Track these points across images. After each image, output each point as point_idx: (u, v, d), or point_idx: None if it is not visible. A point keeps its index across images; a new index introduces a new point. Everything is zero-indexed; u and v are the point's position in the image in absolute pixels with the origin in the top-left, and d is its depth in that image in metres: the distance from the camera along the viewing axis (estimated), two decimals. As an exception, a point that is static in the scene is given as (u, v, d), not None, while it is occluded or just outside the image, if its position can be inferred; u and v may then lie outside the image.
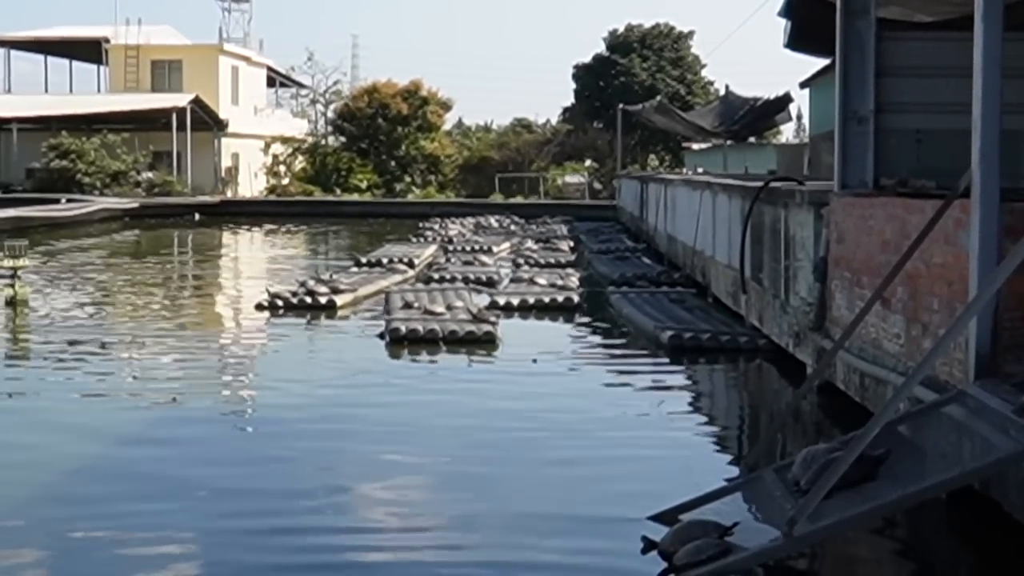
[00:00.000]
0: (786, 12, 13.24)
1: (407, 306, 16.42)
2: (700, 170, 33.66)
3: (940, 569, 7.20)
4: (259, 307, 17.63)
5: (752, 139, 34.27)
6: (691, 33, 62.84)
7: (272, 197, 53.13)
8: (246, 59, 60.29)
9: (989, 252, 7.27)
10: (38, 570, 6.61)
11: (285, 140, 59.75)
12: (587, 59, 63.47)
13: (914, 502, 6.48)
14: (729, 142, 35.67)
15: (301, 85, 68.47)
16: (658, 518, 7.23)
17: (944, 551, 7.31)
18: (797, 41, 13.91)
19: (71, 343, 14.88)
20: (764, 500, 7.17)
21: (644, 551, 6.70)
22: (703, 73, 61.43)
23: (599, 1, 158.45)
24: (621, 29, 62.92)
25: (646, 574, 6.45)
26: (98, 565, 6.59)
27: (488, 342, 14.23)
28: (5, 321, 16.27)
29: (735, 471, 8.75)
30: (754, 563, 6.30)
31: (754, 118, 34.40)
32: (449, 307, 16.26)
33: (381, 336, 14.76)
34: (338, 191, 53.80)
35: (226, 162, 54.90)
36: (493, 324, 14.91)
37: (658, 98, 47.98)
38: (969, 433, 6.68)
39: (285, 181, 57.02)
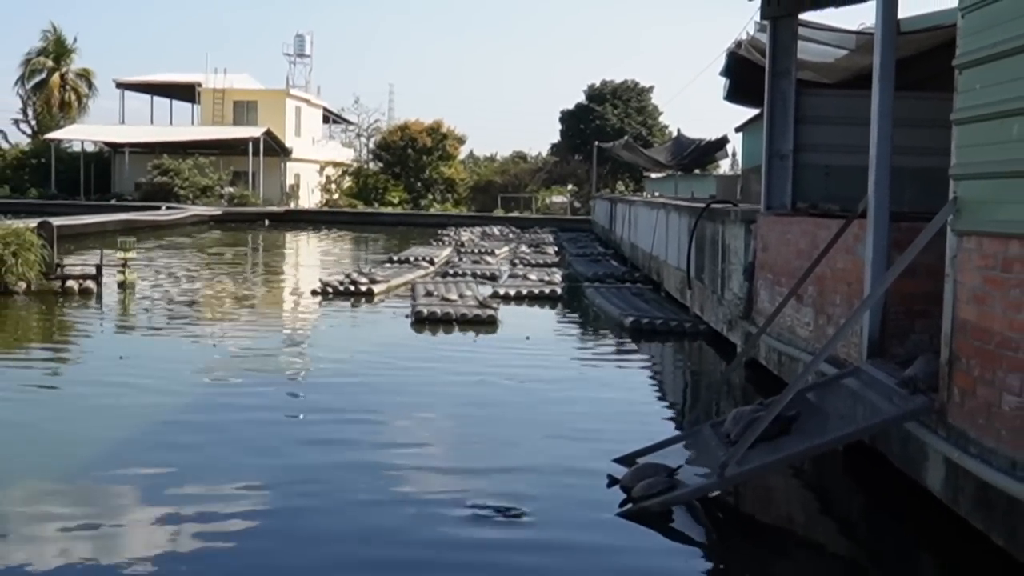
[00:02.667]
0: (726, 72, 13.21)
1: (428, 294, 16.41)
2: (656, 194, 33.62)
3: (837, 503, 7.15)
4: (313, 292, 17.56)
5: (697, 171, 34.21)
6: (651, 88, 62.79)
7: (325, 208, 53.01)
8: (306, 101, 60.19)
9: (880, 260, 7.27)
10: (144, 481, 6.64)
11: (336, 164, 59.87)
12: (571, 106, 63.43)
13: (818, 452, 6.55)
14: (679, 173, 35.61)
15: (349, 122, 68.72)
16: (620, 460, 7.25)
17: (840, 490, 7.30)
18: (734, 95, 13.86)
19: (168, 317, 14.98)
20: (702, 449, 7.13)
21: (609, 486, 6.74)
22: (660, 119, 61.31)
23: (580, 61, 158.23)
24: (597, 83, 62.82)
25: (610, 503, 6.38)
26: (186, 495, 6.50)
27: (490, 323, 14.18)
28: (117, 299, 16.25)
29: (680, 425, 8.79)
30: (694, 497, 6.30)
31: (699, 154, 34.38)
32: (460, 296, 16.26)
33: (408, 317, 14.70)
34: (376, 204, 53.73)
35: (290, 180, 54.88)
36: (495, 309, 14.89)
37: (625, 138, 48.02)
38: (862, 400, 6.72)
39: (335, 196, 56.97)
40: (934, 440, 5.86)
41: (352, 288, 17.42)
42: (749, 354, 9.92)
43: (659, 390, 11.02)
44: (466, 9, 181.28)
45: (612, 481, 6.78)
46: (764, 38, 11.16)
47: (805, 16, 11.11)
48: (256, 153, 50.59)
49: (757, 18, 11.03)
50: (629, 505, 6.29)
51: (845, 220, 8.00)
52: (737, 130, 34.13)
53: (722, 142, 34.53)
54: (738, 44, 12.49)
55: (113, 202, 45.94)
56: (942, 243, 6.01)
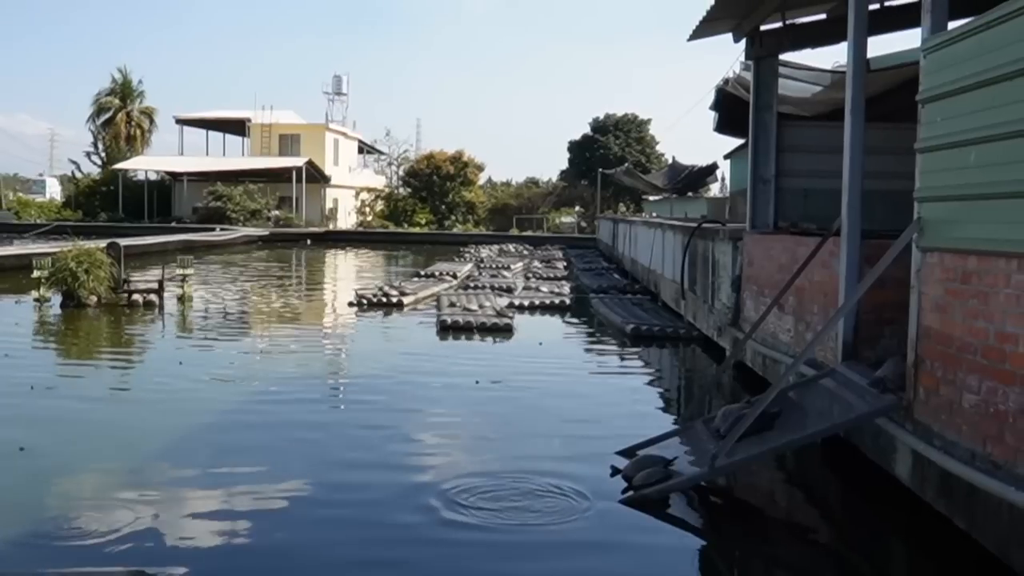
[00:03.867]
0: (715, 106, 13.18)
1: (452, 305, 16.33)
2: (654, 214, 33.50)
3: (815, 490, 7.12)
4: (350, 303, 17.55)
5: (690, 194, 34.03)
6: (649, 120, 62.55)
7: (360, 229, 53.05)
8: (343, 134, 60.32)
9: (852, 274, 7.22)
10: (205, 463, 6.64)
11: (369, 190, 59.83)
12: (577, 137, 63.22)
13: (799, 445, 6.53)
14: (674, 196, 35.44)
15: (381, 152, 68.71)
16: (622, 452, 7.20)
17: (819, 479, 7.26)
18: (722, 127, 13.84)
19: (222, 326, 15.08)
20: (695, 442, 7.08)
21: (612, 475, 6.68)
22: (657, 148, 61.04)
23: (585, 97, 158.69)
24: (601, 116, 62.64)
25: (614, 490, 6.36)
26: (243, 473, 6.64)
27: (507, 330, 14.12)
28: (177, 311, 16.32)
29: (675, 421, 8.75)
30: (688, 485, 6.27)
31: (692, 179, 34.30)
32: (480, 306, 16.18)
33: (434, 325, 14.67)
34: (405, 225, 53.76)
35: (329, 204, 54.91)
36: (511, 318, 14.84)
37: (626, 165, 47.95)
38: (837, 398, 6.65)
39: (369, 218, 57.01)
40: (902, 434, 5.81)
41: (384, 299, 17.40)
42: (737, 357, 9.83)
43: (656, 389, 10.96)
44: (483, 52, 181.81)
45: (615, 471, 6.73)
46: (749, 76, 11.08)
47: (785, 56, 11.06)
48: (299, 180, 50.69)
49: (743, 58, 11.01)
50: (630, 492, 6.26)
51: (822, 238, 7.95)
52: (725, 157, 33.97)
53: (712, 168, 34.43)
54: (726, 81, 12.49)
55: (173, 224, 46.14)
56: (908, 258, 5.97)
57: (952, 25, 5.79)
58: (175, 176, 54.42)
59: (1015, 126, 4.73)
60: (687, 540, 5.86)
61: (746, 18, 10.24)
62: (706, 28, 10.44)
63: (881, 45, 10.83)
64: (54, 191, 76.19)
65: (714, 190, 37.82)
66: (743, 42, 10.66)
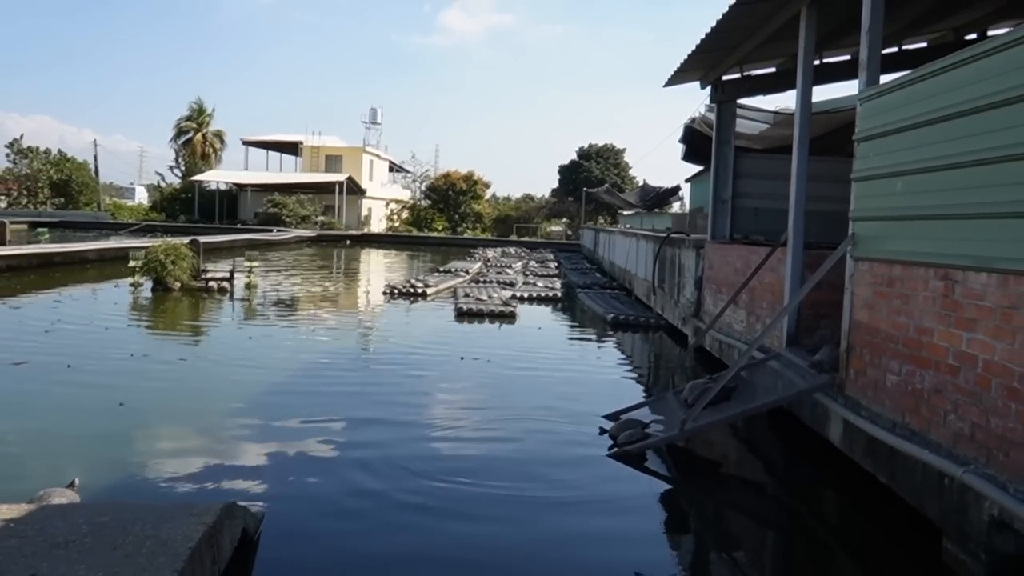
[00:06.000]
0: (683, 140, 13.16)
1: (466, 295, 16.41)
2: (628, 226, 33.38)
3: (762, 451, 7.10)
4: (383, 292, 17.54)
5: (657, 210, 33.91)
6: (624, 149, 62.31)
7: (389, 232, 52.91)
8: (377, 156, 60.05)
9: (796, 277, 7.26)
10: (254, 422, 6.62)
11: (397, 201, 59.69)
12: (566, 162, 62.96)
13: (750, 414, 6.54)
14: (644, 211, 35.37)
15: (407, 171, 68.54)
16: (608, 417, 7.24)
17: (766, 442, 7.25)
18: (688, 157, 13.84)
19: (282, 308, 15.04)
20: (667, 409, 7.14)
21: (600, 434, 6.75)
22: (631, 172, 60.89)
23: (574, 129, 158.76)
24: (586, 146, 62.43)
25: (601, 445, 6.42)
26: (288, 426, 6.65)
27: (511, 316, 14.13)
28: (245, 296, 16.25)
29: (649, 392, 8.77)
30: (662, 444, 6.29)
31: (659, 198, 34.07)
32: (489, 296, 16.26)
33: (452, 311, 14.68)
34: (425, 231, 53.61)
35: (364, 212, 54.61)
36: (514, 307, 14.87)
37: (605, 185, 47.75)
38: (782, 377, 6.69)
39: (396, 224, 56.87)
40: (835, 406, 5.84)
41: (412, 290, 17.39)
42: (699, 343, 9.91)
43: (632, 366, 10.96)
44: (490, 93, 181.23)
45: (602, 431, 6.82)
46: (712, 116, 11.12)
47: (742, 100, 11.11)
48: (341, 192, 50.43)
49: (707, 102, 11.02)
50: (615, 449, 6.29)
51: (771, 248, 7.98)
52: (686, 181, 33.91)
53: (676, 189, 34.21)
54: (692, 120, 12.48)
55: (239, 226, 45.90)
56: (842, 266, 6.01)
57: (883, 79, 5.84)
58: (240, 187, 54.11)
59: (933, 162, 4.79)
60: (661, 486, 5.88)
61: (711, 70, 10.26)
62: (679, 77, 10.46)
63: (823, 92, 10.89)
64: (142, 197, 75.94)
65: (676, 207, 37.74)
66: (708, 89, 10.68)
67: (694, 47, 8.89)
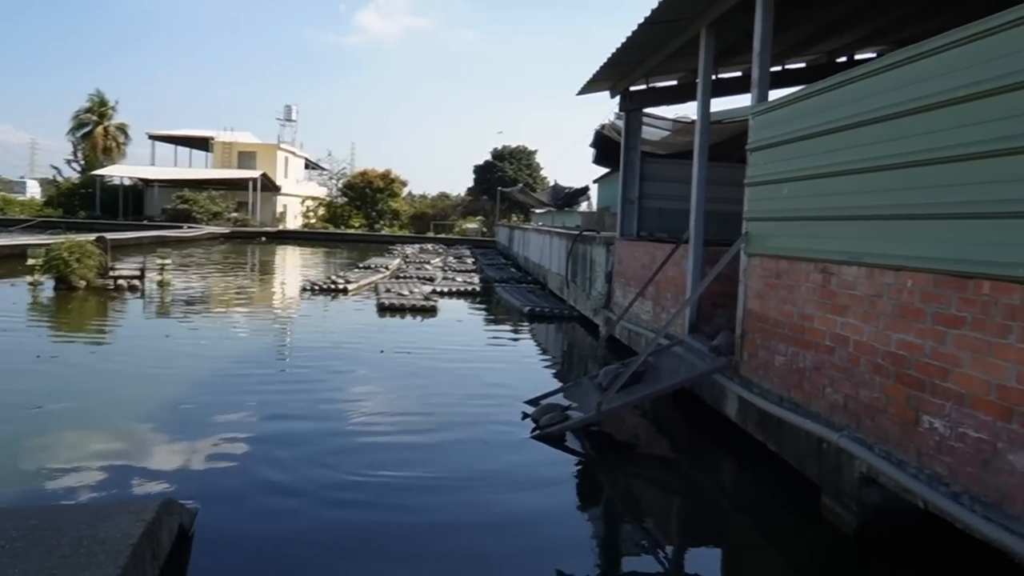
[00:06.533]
0: (594, 145, 13.68)
1: (387, 291, 16.40)
2: (540, 224, 33.93)
3: (668, 427, 7.42)
4: (304, 289, 17.32)
5: (567, 209, 34.64)
6: (536, 151, 62.90)
7: (306, 229, 51.98)
8: (292, 153, 58.62)
9: (697, 271, 7.76)
10: (185, 411, 6.61)
11: (313, 198, 58.37)
12: (481, 162, 63.23)
13: (658, 395, 6.88)
14: (555, 210, 36.07)
15: (323, 168, 67.19)
16: (529, 402, 7.50)
17: (671, 419, 7.59)
18: (598, 160, 14.38)
19: (197, 307, 14.64)
20: (583, 393, 7.42)
21: (523, 418, 7.00)
22: (542, 172, 61.66)
23: (488, 132, 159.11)
24: (499, 147, 62.83)
25: (525, 427, 6.69)
26: (205, 420, 6.70)
27: (432, 311, 14.27)
28: (158, 294, 15.73)
29: (565, 378, 8.99)
30: (580, 425, 6.57)
31: (569, 198, 34.86)
32: (410, 291, 16.30)
33: (374, 306, 14.68)
34: (342, 227, 52.91)
35: (279, 209, 53.32)
36: (435, 301, 15.00)
37: (519, 185, 48.26)
38: (685, 361, 7.08)
39: (312, 221, 55.86)
40: (731, 385, 6.31)
41: (332, 286, 17.29)
42: (611, 332, 10.35)
43: (550, 356, 11.24)
44: (408, 93, 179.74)
45: (525, 416, 7.05)
46: (620, 123, 11.64)
47: (648, 110, 11.68)
48: (255, 189, 49.09)
49: (616, 110, 11.53)
50: (537, 431, 6.55)
51: (675, 245, 8.50)
52: (594, 182, 34.82)
53: (585, 190, 35.13)
54: (602, 126, 13.00)
55: (145, 222, 44.20)
56: (737, 261, 6.49)
57: (771, 94, 6.40)
58: (147, 182, 51.83)
59: (812, 171, 5.37)
60: (580, 463, 6.16)
61: (620, 81, 10.78)
62: (591, 87, 10.94)
63: (721, 103, 11.51)
64: (34, 191, 71.60)
65: (584, 206, 38.57)
66: (617, 98, 11.19)
67: (605, 60, 9.38)
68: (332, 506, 4.87)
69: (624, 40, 8.46)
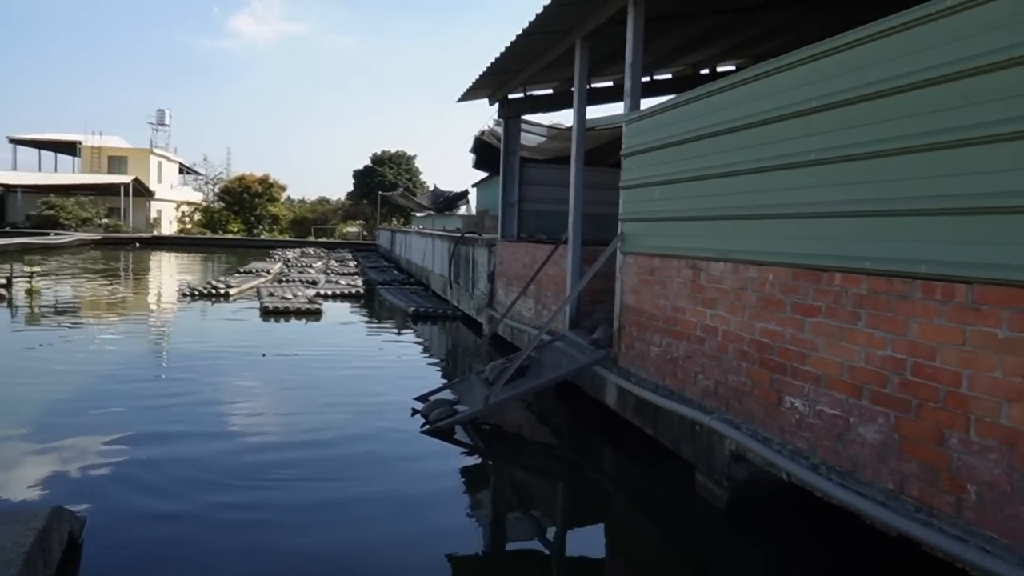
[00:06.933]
0: (474, 150, 13.73)
1: (271, 294, 15.87)
2: (421, 227, 33.73)
3: (551, 417, 7.51)
4: (183, 295, 16.50)
5: (447, 212, 34.62)
6: (415, 156, 62.61)
7: (182, 235, 49.53)
8: (166, 158, 55.71)
9: (576, 270, 7.94)
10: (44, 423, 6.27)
11: (189, 203, 55.74)
12: (360, 167, 62.25)
13: (541, 388, 6.98)
14: (435, 213, 35.97)
15: (199, 173, 64.34)
16: (419, 398, 7.47)
17: (554, 409, 7.70)
18: (478, 165, 14.43)
19: (69, 315, 13.78)
20: (470, 389, 7.44)
21: (412, 415, 6.95)
22: (422, 177, 61.43)
23: (368, 136, 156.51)
24: (379, 152, 62.05)
25: (416, 424, 6.65)
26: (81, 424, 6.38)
27: (317, 313, 13.96)
28: (27, 303, 14.76)
29: (451, 375, 9.02)
30: (470, 418, 6.61)
31: (449, 201, 34.81)
32: (294, 295, 15.87)
33: (258, 310, 14.23)
34: (220, 232, 50.76)
35: (153, 214, 50.65)
36: (320, 304, 14.70)
37: (400, 189, 47.87)
38: (566, 354, 7.21)
39: (189, 226, 53.34)
40: (611, 376, 6.47)
41: (213, 291, 16.59)
42: (494, 330, 10.44)
43: (436, 354, 11.19)
44: (286, 99, 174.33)
45: (415, 412, 7.03)
46: (499, 130, 11.73)
47: (526, 117, 11.85)
48: (127, 194, 46.31)
49: (495, 116, 11.63)
50: (427, 426, 6.55)
51: (555, 245, 8.69)
52: (473, 186, 35.05)
53: (464, 194, 35.18)
54: (482, 132, 13.07)
55: (8, 229, 40.92)
56: (613, 259, 6.66)
57: (643, 103, 6.64)
58: (8, 187, 47.88)
59: (681, 175, 5.61)
60: (470, 455, 6.17)
61: (499, 89, 10.89)
62: (471, 94, 11.00)
63: (596, 111, 11.81)
64: None
65: (463, 210, 38.66)
66: (496, 105, 11.32)
67: (485, 69, 9.44)
68: (218, 509, 4.69)
69: (503, 50, 8.55)
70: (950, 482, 3.28)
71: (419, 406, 7.25)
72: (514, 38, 7.96)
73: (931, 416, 3.38)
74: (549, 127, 13.51)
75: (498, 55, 8.76)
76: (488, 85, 10.49)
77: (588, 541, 4.78)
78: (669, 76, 10.53)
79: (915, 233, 3.50)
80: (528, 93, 10.98)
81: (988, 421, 3.12)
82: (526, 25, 7.52)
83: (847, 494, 3.73)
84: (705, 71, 10.40)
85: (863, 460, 3.76)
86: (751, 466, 4.62)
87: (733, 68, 10.31)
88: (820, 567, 4.16)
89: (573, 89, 8.01)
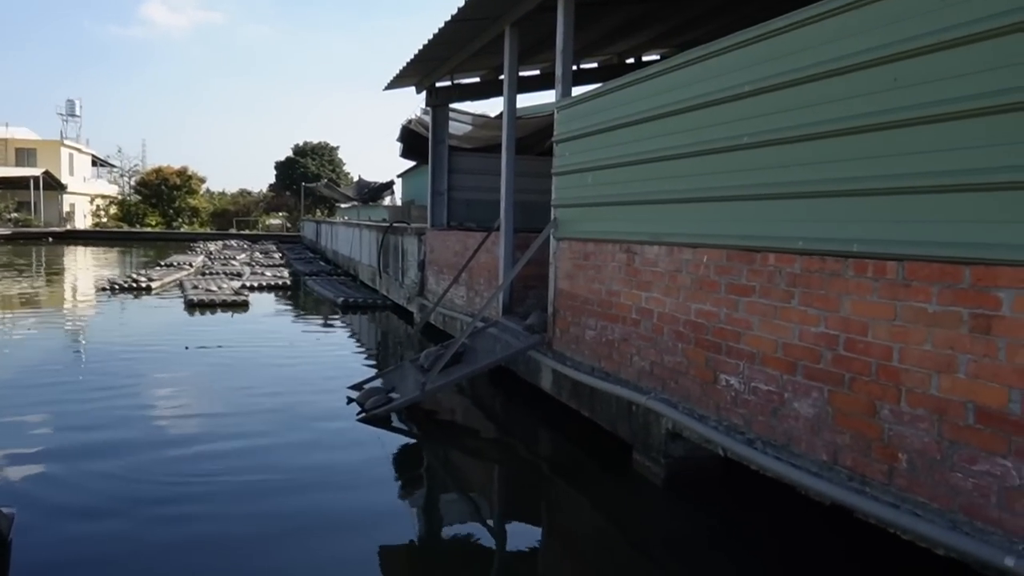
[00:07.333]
0: (401, 139, 13.42)
1: (195, 287, 15.27)
2: (346, 218, 33.09)
3: (486, 402, 7.47)
4: (103, 289, 15.69)
5: (372, 203, 34.04)
6: (338, 147, 61.94)
7: (97, 228, 47.14)
8: (78, 150, 52.81)
9: (509, 257, 7.84)
10: None
11: (104, 196, 53.29)
12: (282, 158, 60.66)
13: (476, 374, 6.86)
14: (360, 204, 35.35)
15: (113, 166, 61.34)
16: (353, 387, 7.28)
17: (488, 394, 7.65)
18: (406, 154, 14.04)
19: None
20: (406, 376, 7.27)
21: (348, 403, 6.77)
22: (346, 168, 60.22)
23: (289, 127, 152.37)
24: (301, 143, 60.61)
25: (351, 413, 6.48)
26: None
27: (244, 305, 13.50)
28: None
29: (384, 363, 8.81)
30: (406, 405, 6.45)
31: (374, 192, 34.33)
32: (219, 287, 15.30)
33: (182, 303, 13.65)
34: (138, 226, 48.66)
35: (66, 208, 48.09)
36: (246, 296, 14.19)
37: (324, 180, 46.95)
38: (500, 340, 7.12)
39: (104, 220, 50.87)
40: (546, 360, 6.41)
41: (135, 284, 15.83)
42: (427, 318, 10.27)
43: (367, 343, 10.97)
44: (203, 89, 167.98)
45: (350, 400, 6.85)
46: (428, 119, 11.52)
47: (453, 105, 11.66)
48: (37, 188, 43.93)
49: (423, 104, 11.41)
50: (363, 414, 6.38)
51: (487, 232, 8.57)
52: (398, 176, 34.65)
53: (390, 184, 34.76)
54: (409, 121, 12.80)
55: (-94, 225, 38.29)
56: (546, 245, 6.59)
57: (575, 91, 6.55)
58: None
59: (614, 160, 5.56)
60: (407, 440, 6.06)
61: (427, 77, 10.66)
62: (397, 82, 10.73)
63: (527, 99, 11.68)
64: None
65: (388, 200, 38.06)
66: (424, 94, 11.09)
67: (412, 56, 9.21)
68: (146, 506, 4.40)
69: (431, 37, 8.34)
70: (882, 451, 3.33)
71: (354, 394, 7.06)
72: (443, 24, 7.77)
73: (863, 389, 3.42)
74: (475, 116, 13.35)
75: (426, 42, 8.55)
76: (416, 73, 10.25)
77: (526, 522, 4.70)
78: (595, 65, 10.51)
79: (847, 213, 3.52)
80: (456, 81, 10.79)
81: (919, 392, 3.17)
82: (455, 11, 7.34)
83: (782, 466, 3.75)
84: (631, 60, 10.43)
85: (797, 433, 3.78)
86: (687, 443, 4.62)
87: (658, 57, 10.37)
88: (754, 538, 4.19)
89: (502, 77, 7.89)
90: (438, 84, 10.85)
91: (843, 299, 3.54)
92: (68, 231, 42.67)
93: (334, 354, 9.70)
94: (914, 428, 3.18)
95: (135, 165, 61.52)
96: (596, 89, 5.88)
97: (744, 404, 4.16)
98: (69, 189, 48.68)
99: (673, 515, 4.57)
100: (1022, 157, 2.81)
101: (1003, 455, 2.83)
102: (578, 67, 10.46)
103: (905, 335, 3.23)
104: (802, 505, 4.03)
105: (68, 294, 16.78)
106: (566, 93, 6.39)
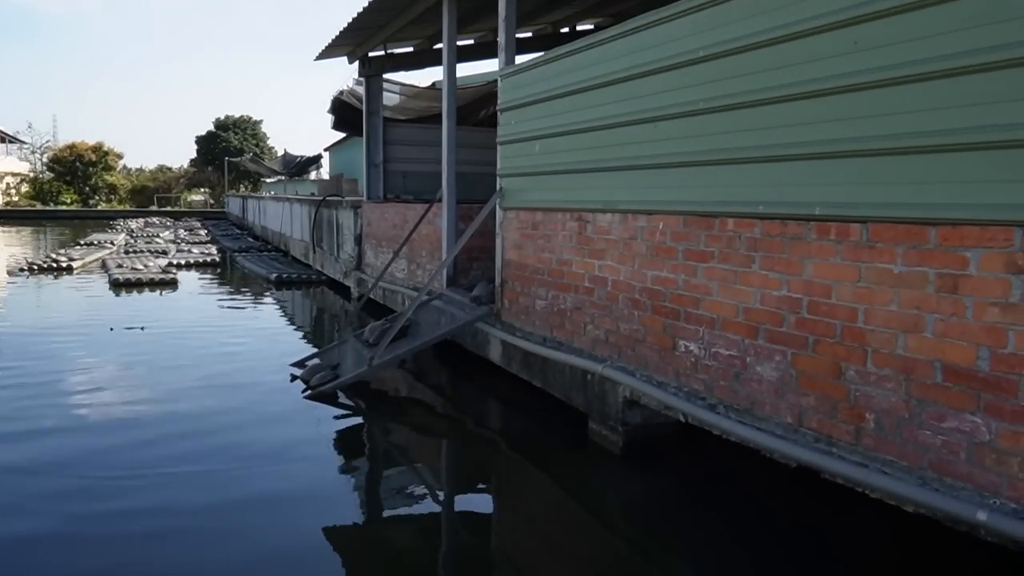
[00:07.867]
0: (332, 111, 12.85)
1: (120, 266, 14.40)
2: (272, 193, 31.91)
3: (432, 377, 7.27)
4: (20, 269, 14.50)
5: (299, 177, 32.94)
6: (262, 120, 59.45)
7: (8, 207, 44.11)
8: (-17, 125, 49.65)
9: (452, 229, 7.60)
10: None
11: (14, 175, 49.86)
12: (203, 133, 57.96)
13: (422, 348, 6.60)
14: (287, 178, 34.17)
15: (23, 142, 57.35)
16: (295, 364, 6.99)
17: (433, 368, 7.45)
18: (338, 126, 13.42)
19: None
20: (349, 351, 7.02)
21: (292, 380, 6.48)
22: (270, 142, 58.00)
23: (210, 101, 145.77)
24: (222, 117, 58.00)
25: (296, 390, 6.20)
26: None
27: (173, 283, 12.81)
28: None
29: (323, 340, 8.48)
30: (354, 381, 6.20)
31: (302, 166, 33.20)
32: (145, 266, 14.48)
33: (107, 283, 12.86)
34: (52, 204, 45.77)
35: (-28, 186, 45.10)
36: (174, 274, 13.49)
37: (249, 154, 45.10)
38: (446, 313, 6.93)
39: (15, 199, 47.69)
40: (494, 331, 6.24)
41: (54, 264, 14.78)
42: (368, 293, 9.91)
43: (304, 319, 10.62)
44: (116, 62, 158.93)
45: (294, 378, 6.56)
46: (360, 89, 11.05)
47: (387, 75, 11.22)
48: (-62, 165, 40.93)
49: (355, 75, 10.94)
50: (308, 391, 6.12)
51: (429, 204, 8.27)
52: (326, 150, 33.65)
53: (317, 158, 33.70)
54: (341, 92, 12.27)
55: None
56: (492, 216, 6.39)
57: (519, 59, 6.31)
58: None
59: (562, 128, 5.36)
60: (354, 417, 5.86)
61: (360, 47, 10.19)
62: (329, 52, 10.22)
63: (468, 68, 11.28)
64: None
65: (314, 175, 36.90)
66: (356, 64, 10.62)
67: (345, 25, 8.75)
68: (81, 501, 4.01)
69: (366, 5, 7.92)
70: (849, 412, 3.28)
71: (298, 371, 6.76)
72: (379, -9, 7.37)
73: (828, 351, 3.36)
74: (403, 86, 12.90)
75: (360, 10, 8.11)
76: (349, 42, 9.78)
77: (480, 496, 4.55)
78: (529, 35, 10.24)
79: (809, 177, 3.43)
80: (389, 51, 10.36)
81: (885, 352, 3.12)
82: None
83: (747, 430, 3.68)
84: (565, 29, 10.20)
85: (761, 397, 3.72)
86: (645, 411, 4.52)
87: (592, 27, 10.17)
88: (714, 502, 4.14)
89: (438, 46, 7.57)
90: (371, 54, 10.39)
91: (805, 262, 3.46)
92: (-25, 211, 39.87)
93: (271, 331, 9.28)
94: (881, 388, 3.14)
95: (47, 141, 57.63)
96: (544, 56, 5.65)
97: (705, 370, 4.08)
98: (-25, 168, 45.48)
99: (631, 483, 4.48)
100: (988, 118, 2.75)
101: (972, 411, 2.80)
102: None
103: (870, 296, 3.17)
104: (764, 469, 3.99)
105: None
106: (510, 61, 6.15)
